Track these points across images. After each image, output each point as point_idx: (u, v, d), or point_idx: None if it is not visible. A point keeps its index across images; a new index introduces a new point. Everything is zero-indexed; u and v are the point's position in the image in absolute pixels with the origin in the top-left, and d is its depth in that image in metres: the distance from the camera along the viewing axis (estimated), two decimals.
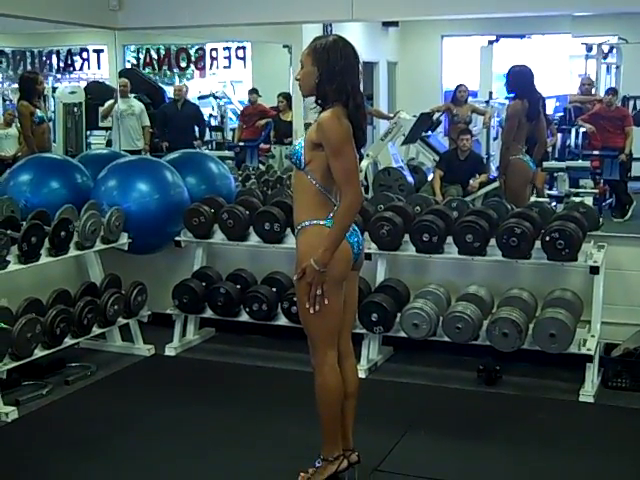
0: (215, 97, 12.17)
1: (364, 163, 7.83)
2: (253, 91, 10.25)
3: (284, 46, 8.43)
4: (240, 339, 5.65)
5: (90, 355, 5.35)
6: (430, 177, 8.03)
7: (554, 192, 7.52)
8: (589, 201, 6.34)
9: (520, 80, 5.73)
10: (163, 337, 5.49)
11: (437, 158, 8.23)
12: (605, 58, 10.51)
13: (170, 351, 5.46)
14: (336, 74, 3.20)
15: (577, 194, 7.25)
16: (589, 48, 10.44)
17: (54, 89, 10.07)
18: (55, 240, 4.77)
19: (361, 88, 3.31)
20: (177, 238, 5.54)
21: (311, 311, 3.26)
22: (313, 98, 3.30)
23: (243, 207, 5.40)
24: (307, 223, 3.29)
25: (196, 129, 9.85)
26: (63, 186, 5.49)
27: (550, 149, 8.71)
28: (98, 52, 12.23)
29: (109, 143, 9.28)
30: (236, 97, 13.40)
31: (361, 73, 3.30)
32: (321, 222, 3.26)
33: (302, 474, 3.53)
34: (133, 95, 9.44)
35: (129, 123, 9.06)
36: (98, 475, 3.76)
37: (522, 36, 11.28)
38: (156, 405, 4.52)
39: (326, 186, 3.26)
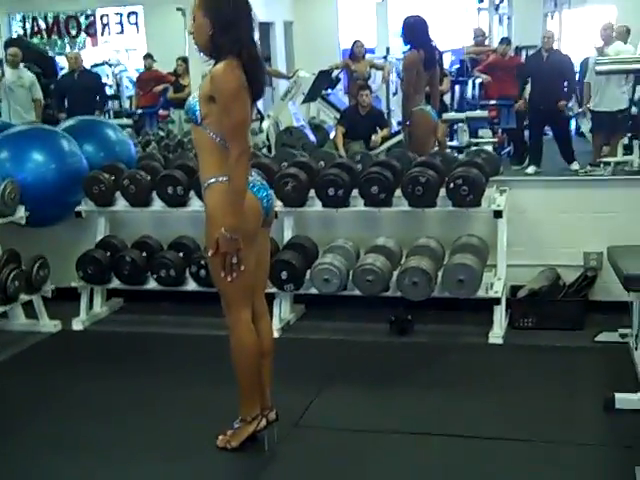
0: (109, 65, 11.85)
1: (265, 124, 7.76)
2: (148, 56, 10.02)
3: (177, 9, 8.20)
4: (149, 308, 5.53)
5: None
6: (332, 135, 8.02)
7: (455, 143, 7.63)
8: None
9: (415, 30, 5.75)
10: (69, 312, 5.32)
11: (338, 116, 8.23)
12: (497, 9, 10.70)
13: (78, 325, 5.30)
14: (229, 24, 3.11)
15: (477, 144, 7.38)
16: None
17: None
18: None
19: (256, 39, 3.24)
20: (78, 208, 5.35)
21: (228, 279, 3.19)
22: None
23: (145, 172, 5.26)
24: (213, 180, 3.21)
25: (97, 99, 9.53)
26: None
27: (449, 101, 8.83)
28: None
29: None
30: (132, 65, 13.06)
31: (255, 23, 3.22)
32: (226, 179, 3.16)
33: (220, 437, 3.50)
34: (23, 65, 9.07)
35: (18, 96, 8.70)
36: (13, 455, 3.61)
37: None
38: (67, 382, 4.36)
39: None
